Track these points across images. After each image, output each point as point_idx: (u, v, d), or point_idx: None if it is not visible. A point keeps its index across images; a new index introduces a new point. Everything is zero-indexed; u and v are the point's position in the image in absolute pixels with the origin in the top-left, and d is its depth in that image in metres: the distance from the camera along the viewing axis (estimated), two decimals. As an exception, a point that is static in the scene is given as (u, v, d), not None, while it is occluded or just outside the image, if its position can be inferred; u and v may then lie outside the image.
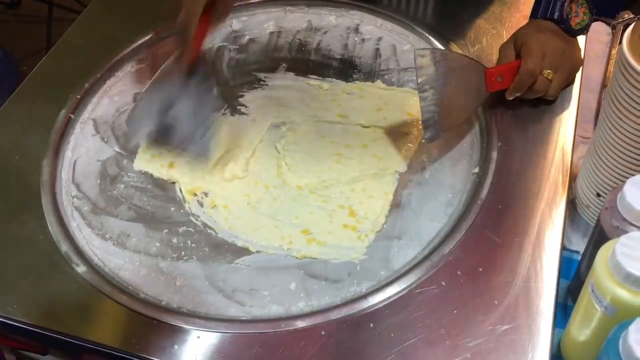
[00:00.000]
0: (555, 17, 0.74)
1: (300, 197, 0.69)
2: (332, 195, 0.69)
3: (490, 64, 0.78)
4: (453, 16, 0.86)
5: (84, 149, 0.76)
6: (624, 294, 0.48)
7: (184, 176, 0.72)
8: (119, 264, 0.65)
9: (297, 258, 0.64)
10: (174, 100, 0.71)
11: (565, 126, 0.72)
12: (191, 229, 0.68)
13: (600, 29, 0.91)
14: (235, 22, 0.89)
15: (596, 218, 0.58)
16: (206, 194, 0.70)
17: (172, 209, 0.70)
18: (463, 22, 0.85)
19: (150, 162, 0.73)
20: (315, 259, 0.64)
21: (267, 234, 0.67)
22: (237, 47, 0.86)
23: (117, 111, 0.80)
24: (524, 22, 0.83)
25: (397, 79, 0.81)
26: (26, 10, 2.21)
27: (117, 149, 0.76)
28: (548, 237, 0.63)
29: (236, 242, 0.66)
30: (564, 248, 0.65)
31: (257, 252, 0.65)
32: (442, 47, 0.82)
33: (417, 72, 0.67)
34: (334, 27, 0.88)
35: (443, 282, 0.61)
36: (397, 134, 0.75)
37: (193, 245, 0.67)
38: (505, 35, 0.82)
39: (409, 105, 0.77)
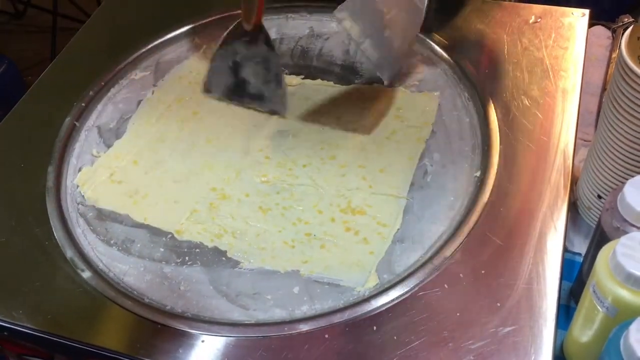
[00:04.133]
0: None
1: (302, 204, 0.70)
2: (333, 202, 0.70)
3: (490, 71, 0.79)
4: (454, 21, 0.86)
5: (89, 156, 0.77)
6: (625, 294, 0.48)
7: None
8: (124, 269, 0.66)
9: (302, 274, 0.64)
10: (244, 59, 0.78)
11: (566, 129, 0.73)
12: (195, 234, 0.68)
13: (600, 33, 0.91)
14: (237, 30, 0.90)
15: (597, 220, 0.58)
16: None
17: (176, 214, 0.70)
18: (464, 27, 0.85)
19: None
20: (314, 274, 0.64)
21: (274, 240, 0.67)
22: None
23: (121, 118, 0.80)
24: (525, 26, 0.84)
25: (398, 84, 0.81)
26: (31, 20, 2.23)
27: (121, 155, 0.76)
28: (550, 239, 0.63)
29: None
30: (566, 250, 0.65)
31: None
32: (443, 52, 0.82)
33: (348, 36, 0.69)
34: (335, 34, 0.88)
35: (445, 285, 0.61)
36: (398, 137, 0.75)
37: (197, 250, 0.67)
38: (506, 40, 0.83)
39: (411, 107, 0.78)
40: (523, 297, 0.59)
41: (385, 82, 0.71)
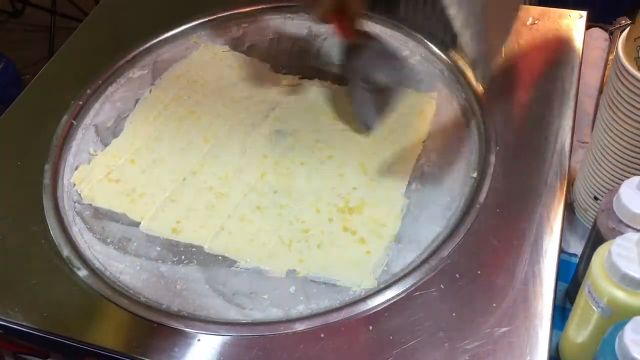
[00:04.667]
0: None
1: (299, 203, 0.70)
2: (331, 202, 0.70)
3: (487, 72, 0.79)
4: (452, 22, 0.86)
5: (86, 155, 0.77)
6: (621, 294, 0.49)
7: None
8: (120, 268, 0.66)
9: (299, 273, 0.64)
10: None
11: (563, 131, 0.73)
12: (192, 233, 0.68)
13: (597, 35, 0.91)
14: (235, 29, 0.90)
15: (593, 221, 0.59)
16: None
17: (173, 213, 0.70)
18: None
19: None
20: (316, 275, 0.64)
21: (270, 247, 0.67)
22: (237, 53, 0.87)
23: (119, 117, 0.80)
24: (522, 28, 0.84)
25: (395, 84, 0.81)
26: (29, 19, 2.23)
27: (118, 154, 0.76)
28: (546, 240, 0.63)
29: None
30: (562, 251, 0.65)
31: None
32: (440, 52, 0.83)
33: (452, 24, 0.66)
34: (333, 34, 0.88)
35: (442, 285, 0.61)
36: (396, 138, 0.75)
37: (193, 249, 0.67)
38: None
39: (408, 108, 0.78)
40: (519, 298, 0.59)
41: (481, 82, 0.67)
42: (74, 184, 0.73)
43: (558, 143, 0.72)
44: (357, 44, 0.74)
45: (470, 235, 0.64)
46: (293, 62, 0.85)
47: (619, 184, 0.55)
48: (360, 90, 0.75)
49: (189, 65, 0.86)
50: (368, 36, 0.77)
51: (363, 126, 0.75)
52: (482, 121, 0.75)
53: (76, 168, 0.75)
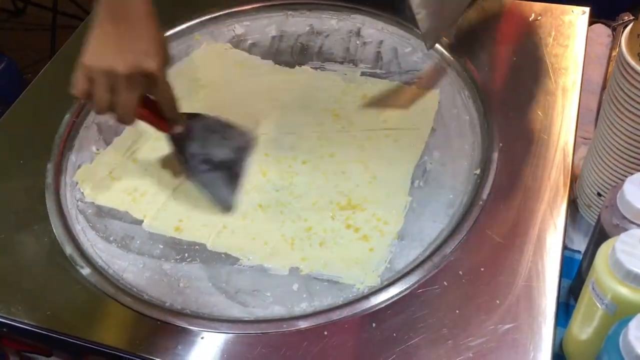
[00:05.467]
0: None
1: (301, 201, 0.70)
2: (333, 199, 0.70)
3: (490, 69, 0.79)
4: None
5: (88, 153, 0.77)
6: (625, 291, 0.48)
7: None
8: (123, 266, 0.66)
9: (302, 271, 0.64)
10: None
11: (566, 127, 0.73)
12: (194, 231, 0.68)
13: (600, 31, 0.91)
14: (237, 27, 0.90)
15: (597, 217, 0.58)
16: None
17: (176, 211, 0.70)
18: (464, 24, 0.85)
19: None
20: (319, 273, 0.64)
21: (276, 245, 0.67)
22: (239, 51, 0.87)
23: (120, 115, 0.80)
24: (525, 24, 0.84)
25: (398, 81, 0.81)
26: (30, 18, 2.23)
27: (120, 152, 0.76)
28: (549, 237, 0.63)
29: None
30: (565, 248, 0.65)
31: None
32: (443, 50, 0.82)
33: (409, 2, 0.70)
34: (335, 31, 0.88)
35: (445, 282, 0.61)
36: (398, 135, 0.75)
37: (196, 247, 0.67)
38: (507, 37, 0.83)
39: (411, 105, 0.78)
40: (522, 295, 0.59)
41: (427, 49, 0.71)
42: (77, 183, 0.73)
43: (561, 140, 0.71)
44: (179, 131, 0.70)
45: (473, 232, 0.64)
46: (295, 60, 0.85)
47: (623, 180, 0.55)
48: (205, 175, 0.71)
49: (191, 63, 0.86)
50: (189, 116, 0.72)
51: (223, 207, 0.70)
52: (485, 118, 0.74)
53: (79, 166, 0.75)
